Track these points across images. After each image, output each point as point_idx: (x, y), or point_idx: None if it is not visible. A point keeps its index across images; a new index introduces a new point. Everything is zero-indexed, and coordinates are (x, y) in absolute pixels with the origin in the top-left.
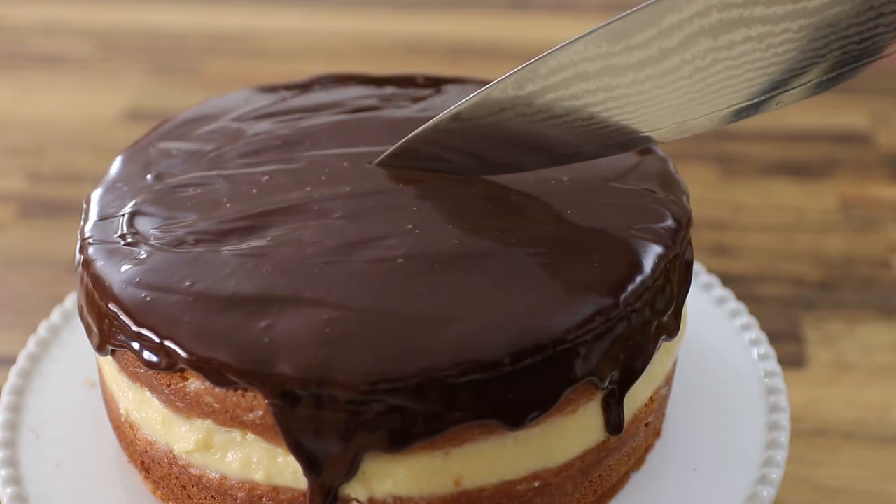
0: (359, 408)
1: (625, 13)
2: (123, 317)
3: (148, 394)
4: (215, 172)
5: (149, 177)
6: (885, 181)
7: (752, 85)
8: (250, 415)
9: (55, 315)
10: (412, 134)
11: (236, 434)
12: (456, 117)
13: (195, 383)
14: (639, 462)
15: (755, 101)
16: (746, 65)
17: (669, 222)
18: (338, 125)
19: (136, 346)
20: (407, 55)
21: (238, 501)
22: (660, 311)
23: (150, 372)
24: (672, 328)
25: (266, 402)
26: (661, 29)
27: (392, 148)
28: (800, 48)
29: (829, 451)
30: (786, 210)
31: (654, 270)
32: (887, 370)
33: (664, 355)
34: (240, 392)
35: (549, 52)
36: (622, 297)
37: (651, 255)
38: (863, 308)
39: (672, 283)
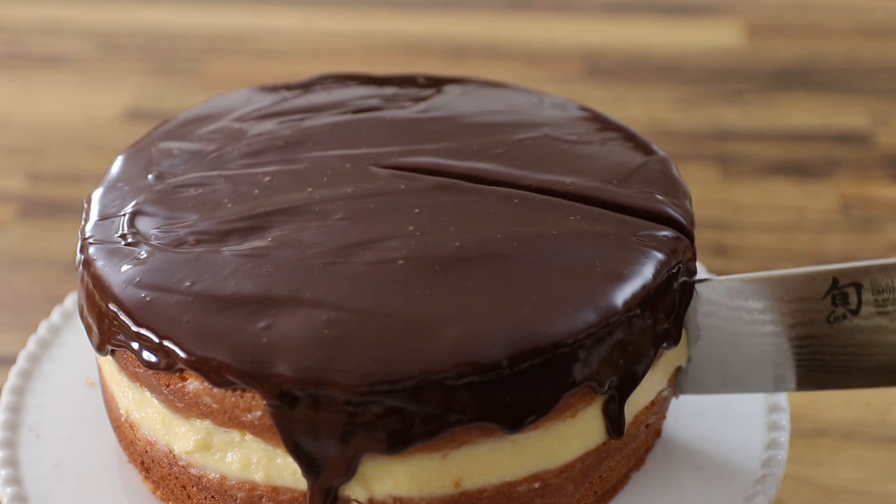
0: (356, 409)
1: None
2: (123, 317)
3: (147, 394)
4: (217, 173)
5: (150, 177)
6: (885, 181)
7: None
8: (249, 415)
9: (55, 315)
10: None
11: (235, 435)
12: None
13: (194, 384)
14: (639, 462)
15: None
16: None
17: (672, 228)
18: (340, 126)
19: (135, 345)
20: (407, 55)
21: (238, 502)
22: (661, 318)
23: (150, 372)
24: (673, 335)
25: (264, 402)
26: None
27: None
28: None
29: (829, 451)
30: (786, 210)
31: (655, 276)
32: None
33: (669, 362)
34: (238, 392)
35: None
36: (623, 301)
37: (653, 260)
38: None
39: (674, 290)
